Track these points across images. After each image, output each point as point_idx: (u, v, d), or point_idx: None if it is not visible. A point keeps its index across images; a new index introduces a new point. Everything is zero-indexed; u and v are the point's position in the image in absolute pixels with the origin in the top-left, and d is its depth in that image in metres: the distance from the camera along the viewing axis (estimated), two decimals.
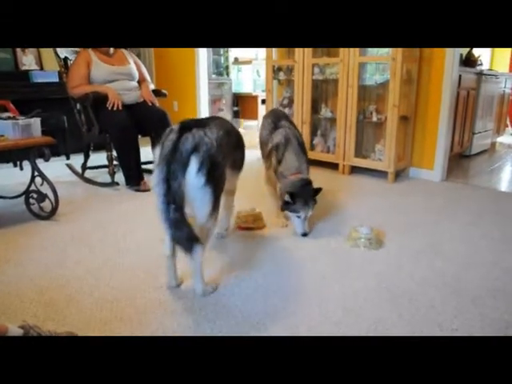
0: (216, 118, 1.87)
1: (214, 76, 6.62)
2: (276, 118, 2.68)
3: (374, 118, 3.78)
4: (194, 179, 1.56)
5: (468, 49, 5.05)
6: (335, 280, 1.92)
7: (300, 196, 2.32)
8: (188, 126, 1.63)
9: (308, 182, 2.41)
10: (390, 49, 3.46)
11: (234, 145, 1.93)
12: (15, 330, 1.29)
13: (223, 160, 1.73)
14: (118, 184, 3.40)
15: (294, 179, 2.40)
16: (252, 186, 3.46)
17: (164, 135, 1.63)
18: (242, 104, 7.58)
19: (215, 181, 1.64)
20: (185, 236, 1.51)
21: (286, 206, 2.37)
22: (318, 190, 2.40)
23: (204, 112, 5.89)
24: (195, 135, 1.59)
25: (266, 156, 2.61)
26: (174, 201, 1.50)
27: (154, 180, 1.55)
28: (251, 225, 2.50)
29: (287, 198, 2.32)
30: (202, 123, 1.69)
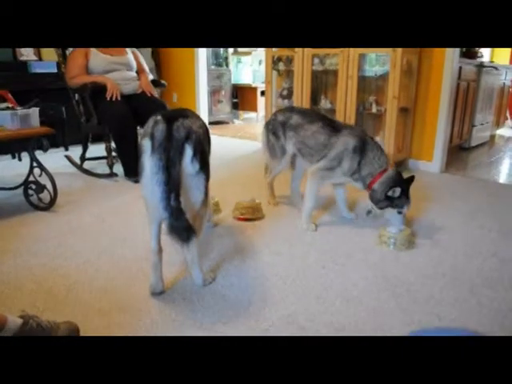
0: (188, 110, 1.83)
1: (213, 67, 6.59)
2: (324, 118, 2.46)
3: (374, 110, 3.77)
4: (189, 166, 1.56)
5: None
6: (334, 270, 1.93)
7: (404, 190, 2.19)
8: (172, 116, 1.61)
9: (401, 175, 2.26)
10: None
11: (207, 136, 1.91)
12: (15, 320, 1.29)
13: (207, 148, 1.75)
14: (116, 175, 3.40)
15: (390, 174, 2.24)
16: (251, 177, 3.46)
17: (148, 127, 1.60)
18: (242, 95, 7.55)
19: (207, 167, 1.67)
20: (183, 225, 1.49)
21: (387, 203, 2.21)
22: (411, 180, 2.26)
23: (203, 104, 5.87)
24: (184, 124, 1.58)
25: (331, 158, 2.32)
26: (174, 188, 1.49)
27: (151, 169, 1.51)
28: (250, 216, 2.50)
29: (392, 192, 2.17)
30: (182, 114, 1.67)
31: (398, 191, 2.17)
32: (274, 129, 2.61)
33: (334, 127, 2.38)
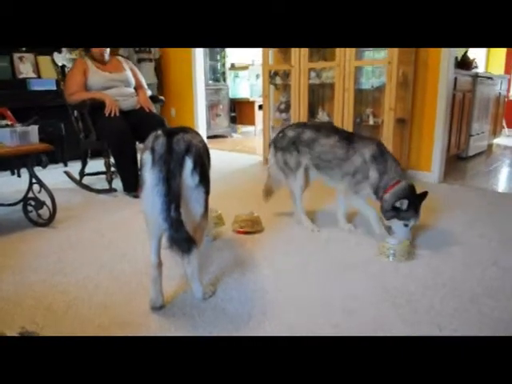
0: (187, 127, 1.86)
1: (210, 82, 6.64)
2: (338, 131, 2.48)
3: (371, 122, 3.80)
4: (189, 178, 1.58)
5: (463, 51, 5.08)
6: (334, 282, 1.92)
7: (413, 203, 2.18)
8: (172, 131, 1.65)
9: (414, 188, 2.25)
10: (386, 52, 3.49)
11: (206, 151, 1.93)
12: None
13: (206, 163, 1.78)
14: (115, 190, 3.41)
15: (403, 185, 2.23)
16: (249, 190, 3.47)
17: (149, 142, 1.62)
18: (239, 109, 7.60)
19: (206, 180, 1.68)
20: (183, 237, 1.49)
21: (393, 213, 2.21)
22: (424, 195, 2.24)
23: (201, 118, 5.90)
24: (184, 138, 1.61)
25: (354, 172, 2.34)
26: (174, 200, 1.50)
27: (151, 181, 1.53)
28: (249, 229, 2.50)
29: (400, 203, 2.16)
30: (182, 129, 1.70)
31: (405, 203, 2.15)
32: (285, 145, 2.55)
33: (350, 139, 2.38)
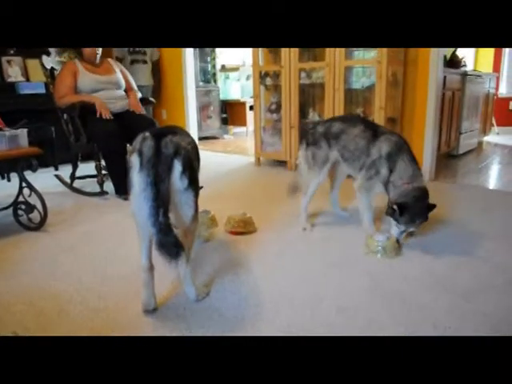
0: (177, 127, 1.85)
1: (201, 83, 6.64)
2: (368, 125, 2.45)
3: None
4: (178, 182, 1.56)
5: (452, 50, 5.12)
6: (328, 282, 1.92)
7: (409, 210, 2.14)
8: (161, 133, 1.62)
9: (423, 195, 2.21)
10: (376, 52, 3.50)
11: (196, 153, 1.91)
12: None
13: (195, 165, 1.76)
14: (107, 193, 3.39)
15: (408, 188, 2.20)
16: (241, 191, 3.47)
17: (136, 143, 1.59)
18: (231, 111, 7.60)
19: (196, 183, 1.67)
20: (172, 241, 1.47)
21: (390, 211, 2.20)
22: (432, 207, 2.21)
23: (192, 120, 5.88)
24: (173, 140, 1.58)
25: (368, 167, 2.34)
26: (163, 204, 1.48)
27: (139, 185, 1.51)
28: (242, 229, 2.50)
29: (395, 207, 2.15)
30: (171, 131, 1.68)
31: (396, 209, 2.14)
32: (315, 140, 2.52)
33: (374, 131, 2.36)
